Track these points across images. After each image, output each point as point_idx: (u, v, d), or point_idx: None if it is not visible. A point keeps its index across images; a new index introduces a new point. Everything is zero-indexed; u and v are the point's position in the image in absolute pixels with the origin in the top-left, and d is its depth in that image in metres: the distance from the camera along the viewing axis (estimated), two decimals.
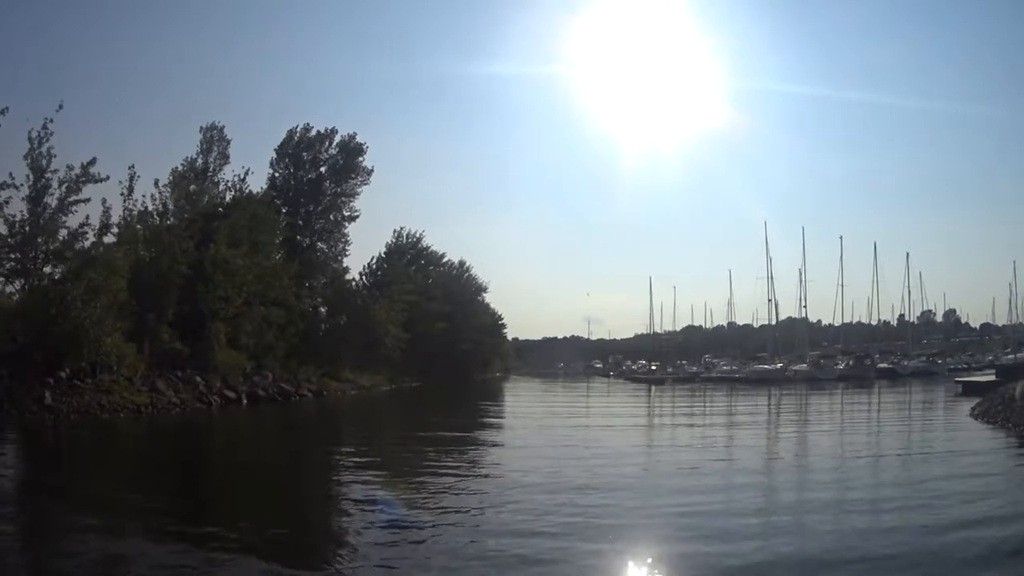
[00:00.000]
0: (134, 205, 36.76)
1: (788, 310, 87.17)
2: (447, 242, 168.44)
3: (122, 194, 36.39)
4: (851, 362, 79.78)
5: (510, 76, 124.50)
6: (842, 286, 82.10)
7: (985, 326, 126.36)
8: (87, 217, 32.47)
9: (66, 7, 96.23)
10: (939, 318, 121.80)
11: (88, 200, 32.80)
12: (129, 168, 36.99)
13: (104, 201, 32.58)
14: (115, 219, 34.51)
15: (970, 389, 42.45)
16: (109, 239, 33.16)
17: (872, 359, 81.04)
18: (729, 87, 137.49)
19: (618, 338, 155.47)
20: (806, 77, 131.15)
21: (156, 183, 37.72)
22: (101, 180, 32.62)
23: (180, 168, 38.23)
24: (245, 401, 36.24)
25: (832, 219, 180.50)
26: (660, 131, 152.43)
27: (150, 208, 38.05)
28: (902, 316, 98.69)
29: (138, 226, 36.43)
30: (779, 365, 78.13)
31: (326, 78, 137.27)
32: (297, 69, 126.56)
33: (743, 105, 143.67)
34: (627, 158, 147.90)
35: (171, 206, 38.15)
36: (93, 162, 32.34)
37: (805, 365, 77.52)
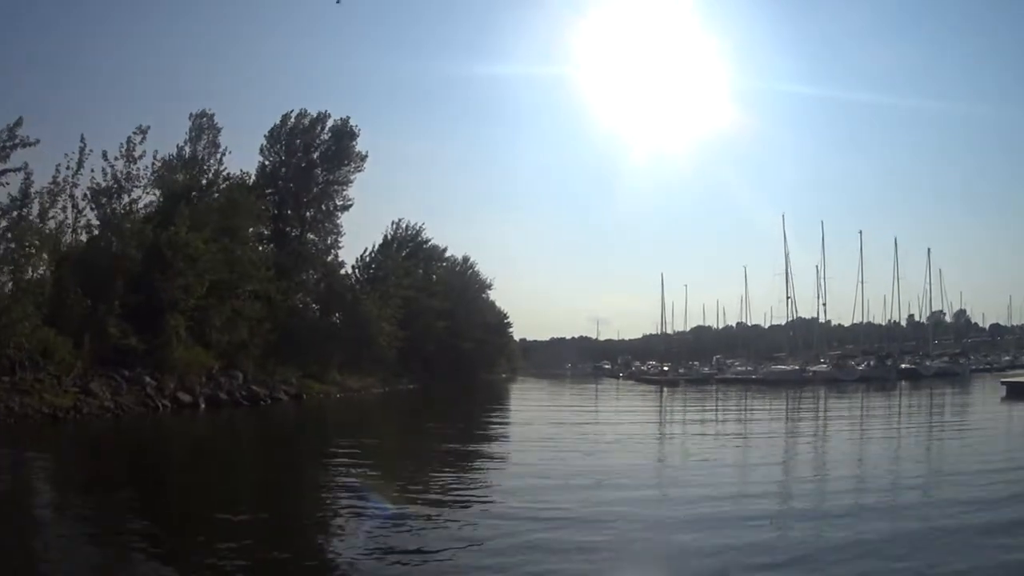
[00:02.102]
0: (81, 180, 30.97)
1: (801, 309, 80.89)
2: (454, 242, 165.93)
3: (68, 167, 30.59)
4: (872, 362, 73.47)
5: (517, 77, 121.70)
6: (862, 283, 76.03)
7: (995, 326, 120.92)
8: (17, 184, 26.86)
9: None
10: (949, 318, 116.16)
11: (19, 169, 27.19)
12: (80, 142, 31.31)
13: (26, 166, 26.70)
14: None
15: (1017, 391, 38.65)
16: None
17: (894, 359, 74.52)
18: (735, 87, 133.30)
19: (626, 338, 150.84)
20: (811, 77, 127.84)
21: (104, 155, 31.70)
22: (30, 144, 26.78)
23: (132, 135, 32.01)
24: (203, 405, 30.15)
25: (839, 219, 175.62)
26: (666, 131, 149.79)
27: (102, 184, 32.23)
28: (911, 316, 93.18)
29: (81, 201, 30.51)
30: (796, 366, 71.97)
31: (333, 78, 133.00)
32: (303, 69, 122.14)
33: (749, 105, 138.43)
34: (634, 158, 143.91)
35: (123, 182, 32.05)
36: (19, 123, 26.52)
37: (824, 365, 71.38)
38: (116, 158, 31.84)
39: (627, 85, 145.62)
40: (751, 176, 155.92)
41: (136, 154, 31.97)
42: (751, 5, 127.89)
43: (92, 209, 32.15)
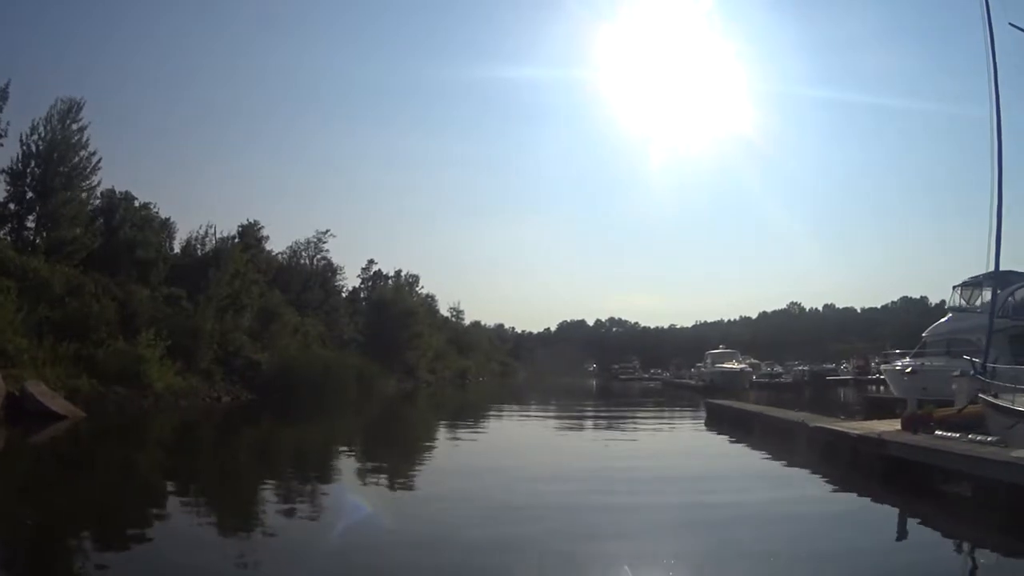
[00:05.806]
0: None
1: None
2: (473, 240, 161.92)
3: None
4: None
5: (538, 79, 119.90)
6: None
7: None
8: None
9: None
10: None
11: None
12: None
13: None
14: None
15: None
16: None
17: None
18: (754, 90, 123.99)
19: (641, 339, 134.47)
20: (831, 81, 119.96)
21: None
22: None
23: None
24: None
25: (858, 223, 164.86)
26: (686, 133, 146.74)
27: None
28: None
29: None
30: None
31: (356, 77, 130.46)
32: (326, 69, 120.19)
33: (769, 108, 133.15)
34: (653, 159, 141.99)
35: None
36: None
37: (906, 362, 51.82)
38: None
39: (646, 87, 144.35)
40: (770, 177, 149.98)
41: None
42: (770, 8, 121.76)
43: None
